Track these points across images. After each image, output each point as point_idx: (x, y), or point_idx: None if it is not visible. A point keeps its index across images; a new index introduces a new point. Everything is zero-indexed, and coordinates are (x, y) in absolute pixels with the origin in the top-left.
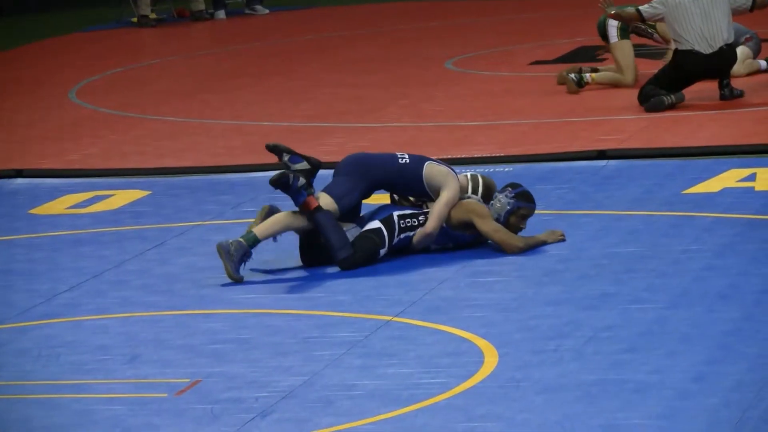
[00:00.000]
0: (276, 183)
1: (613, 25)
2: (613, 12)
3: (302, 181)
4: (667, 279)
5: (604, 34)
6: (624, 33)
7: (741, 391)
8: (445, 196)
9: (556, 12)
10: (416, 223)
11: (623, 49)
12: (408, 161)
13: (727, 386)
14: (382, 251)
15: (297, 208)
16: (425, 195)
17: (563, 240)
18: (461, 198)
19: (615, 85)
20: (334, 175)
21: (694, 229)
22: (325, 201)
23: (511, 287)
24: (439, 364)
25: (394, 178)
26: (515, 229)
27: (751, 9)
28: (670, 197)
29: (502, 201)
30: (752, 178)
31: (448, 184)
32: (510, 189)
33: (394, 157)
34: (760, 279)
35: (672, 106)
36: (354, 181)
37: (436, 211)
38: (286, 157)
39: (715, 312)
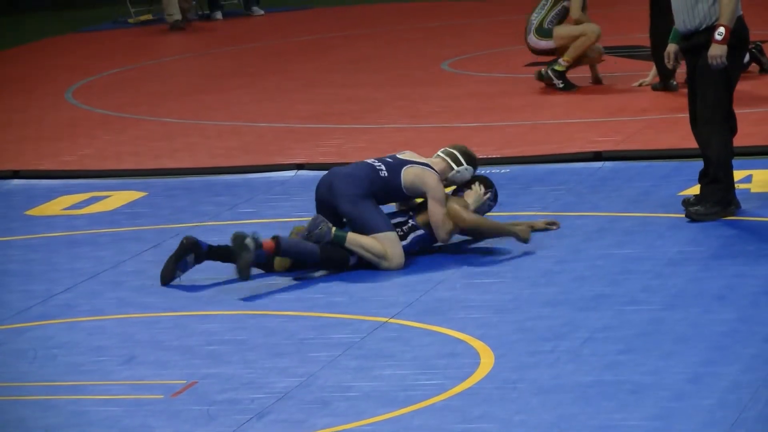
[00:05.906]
0: (239, 256)
1: None
2: None
3: (251, 243)
4: (663, 280)
5: None
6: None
7: (737, 392)
8: (434, 199)
9: None
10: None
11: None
12: (386, 174)
13: (723, 387)
14: (352, 260)
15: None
16: (407, 200)
17: (550, 229)
18: (446, 177)
19: (585, 48)
20: (326, 200)
21: (690, 230)
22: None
23: (508, 288)
24: (436, 366)
25: (377, 190)
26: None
27: None
28: (667, 199)
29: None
30: (748, 180)
31: (427, 183)
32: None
33: (374, 170)
34: (755, 280)
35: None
36: (364, 202)
37: (436, 219)
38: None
39: (711, 313)
